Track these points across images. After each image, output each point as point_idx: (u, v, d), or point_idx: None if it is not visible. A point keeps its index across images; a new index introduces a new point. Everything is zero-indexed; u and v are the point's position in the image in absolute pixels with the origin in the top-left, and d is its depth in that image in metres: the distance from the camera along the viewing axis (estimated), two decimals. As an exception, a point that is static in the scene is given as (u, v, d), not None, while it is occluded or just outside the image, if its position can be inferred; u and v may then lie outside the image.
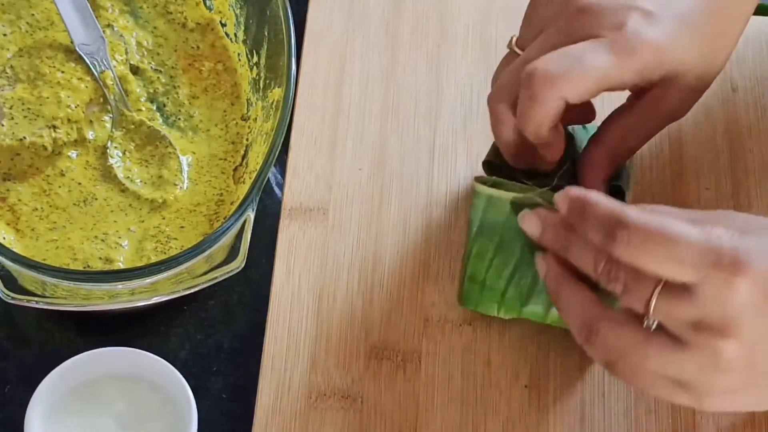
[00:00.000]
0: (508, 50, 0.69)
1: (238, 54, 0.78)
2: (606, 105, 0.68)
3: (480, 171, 0.73)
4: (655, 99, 0.65)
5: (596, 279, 0.59)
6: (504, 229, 0.67)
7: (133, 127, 0.75)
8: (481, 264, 0.68)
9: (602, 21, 0.63)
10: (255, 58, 0.76)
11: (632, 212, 0.56)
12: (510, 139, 0.66)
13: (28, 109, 0.74)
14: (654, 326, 0.57)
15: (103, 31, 0.77)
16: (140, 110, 0.76)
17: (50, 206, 0.73)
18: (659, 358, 0.56)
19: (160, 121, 0.77)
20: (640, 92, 0.66)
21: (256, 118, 0.75)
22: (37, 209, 0.72)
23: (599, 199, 0.58)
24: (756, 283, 0.54)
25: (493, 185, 0.68)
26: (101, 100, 0.76)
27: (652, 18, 0.63)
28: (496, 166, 0.71)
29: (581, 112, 0.67)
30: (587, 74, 0.61)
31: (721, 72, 0.67)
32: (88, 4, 0.77)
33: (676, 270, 0.55)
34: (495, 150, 0.71)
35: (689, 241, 0.55)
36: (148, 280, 0.65)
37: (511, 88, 0.65)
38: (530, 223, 0.63)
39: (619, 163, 0.68)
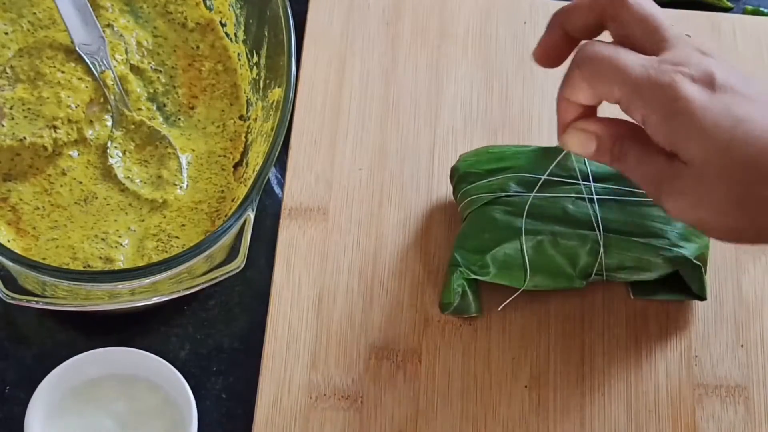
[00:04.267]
0: None
1: (238, 54, 0.78)
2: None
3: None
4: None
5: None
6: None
7: (133, 127, 0.75)
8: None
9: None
10: (255, 58, 0.76)
11: None
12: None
13: (29, 109, 0.74)
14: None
15: (103, 31, 0.77)
16: (140, 110, 0.76)
17: (52, 204, 0.73)
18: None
19: (161, 120, 0.77)
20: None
21: (256, 118, 0.75)
22: (39, 208, 0.72)
23: None
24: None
25: None
26: (101, 100, 0.76)
27: (716, 91, 0.58)
28: None
29: None
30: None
31: None
32: (88, 4, 0.77)
33: None
34: None
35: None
36: (149, 280, 0.65)
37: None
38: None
39: None
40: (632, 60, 0.59)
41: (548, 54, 0.65)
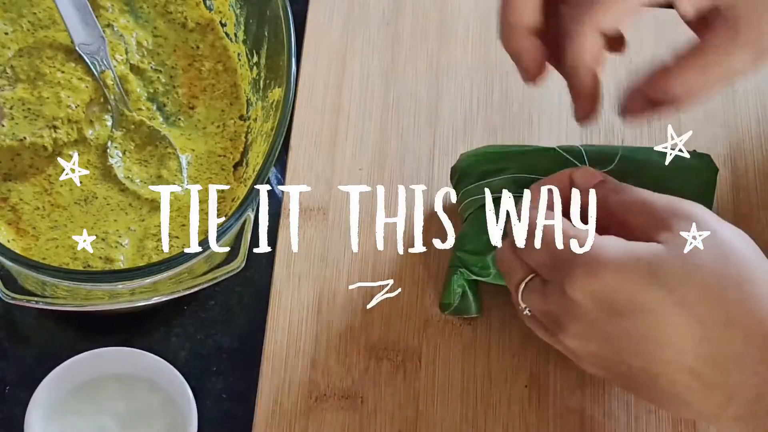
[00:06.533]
0: None
1: (238, 54, 0.78)
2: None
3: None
4: (720, 38, 0.58)
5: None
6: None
7: (133, 127, 0.75)
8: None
9: None
10: (255, 58, 0.76)
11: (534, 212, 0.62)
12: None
13: (29, 109, 0.74)
14: (527, 312, 0.63)
15: (103, 31, 0.77)
16: (140, 110, 0.76)
17: (51, 205, 0.73)
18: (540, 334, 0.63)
19: (161, 120, 0.77)
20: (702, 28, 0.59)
21: (256, 118, 0.75)
22: (39, 208, 0.72)
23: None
24: (591, 287, 0.57)
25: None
26: (101, 100, 0.76)
27: None
28: None
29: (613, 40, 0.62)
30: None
31: None
32: (88, 4, 0.77)
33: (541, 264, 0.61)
34: None
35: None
36: (149, 279, 0.65)
37: None
38: None
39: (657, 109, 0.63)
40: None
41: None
